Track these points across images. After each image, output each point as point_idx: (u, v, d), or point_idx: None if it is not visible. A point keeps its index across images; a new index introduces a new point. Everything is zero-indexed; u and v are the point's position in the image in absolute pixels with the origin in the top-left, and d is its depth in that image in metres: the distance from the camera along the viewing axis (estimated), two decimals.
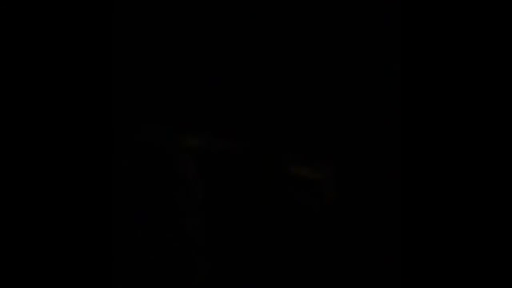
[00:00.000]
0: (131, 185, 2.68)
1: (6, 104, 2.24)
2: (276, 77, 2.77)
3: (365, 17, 2.72)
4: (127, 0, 2.74)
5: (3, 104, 2.24)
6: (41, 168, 2.23)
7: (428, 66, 2.29)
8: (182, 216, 2.66)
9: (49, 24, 2.28)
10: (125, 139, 2.70)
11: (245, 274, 2.65)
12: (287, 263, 2.65)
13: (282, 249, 2.66)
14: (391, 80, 2.71)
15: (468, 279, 2.16)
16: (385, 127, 2.69)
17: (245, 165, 2.67)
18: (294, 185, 2.68)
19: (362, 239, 2.65)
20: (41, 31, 2.27)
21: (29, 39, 2.27)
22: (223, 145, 2.70)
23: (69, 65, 2.28)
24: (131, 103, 2.75)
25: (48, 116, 2.25)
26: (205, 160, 2.72)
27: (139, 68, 2.79)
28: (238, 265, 2.65)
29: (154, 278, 2.61)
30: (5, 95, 2.24)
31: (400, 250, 2.48)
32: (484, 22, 2.23)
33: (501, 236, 2.16)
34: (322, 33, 2.75)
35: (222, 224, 2.69)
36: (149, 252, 2.63)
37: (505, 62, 2.20)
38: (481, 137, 2.20)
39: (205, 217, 2.68)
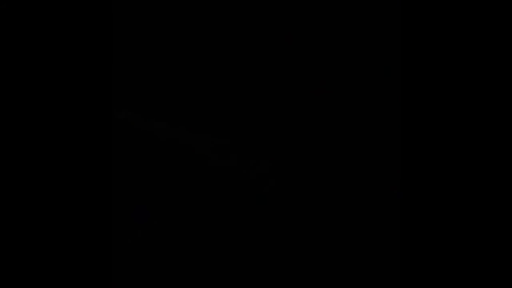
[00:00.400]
0: (132, 183, 2.69)
1: (6, 102, 2.24)
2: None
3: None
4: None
5: (3, 102, 2.24)
6: (41, 167, 2.23)
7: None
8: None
9: (53, 25, 2.28)
10: (126, 138, 2.70)
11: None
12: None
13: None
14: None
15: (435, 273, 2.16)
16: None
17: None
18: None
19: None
20: (43, 31, 2.27)
21: (29, 39, 2.27)
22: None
23: (71, 66, 2.28)
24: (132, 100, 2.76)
25: (49, 115, 2.25)
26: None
27: (140, 69, 2.79)
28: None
29: (153, 277, 2.62)
30: (5, 94, 2.25)
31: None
32: (483, 22, 2.23)
33: (486, 235, 2.16)
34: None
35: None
36: (148, 251, 2.63)
37: (504, 61, 2.21)
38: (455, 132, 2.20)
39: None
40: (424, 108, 2.24)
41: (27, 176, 2.22)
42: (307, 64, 2.79)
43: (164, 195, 2.70)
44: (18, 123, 2.24)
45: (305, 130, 2.76)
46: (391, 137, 2.68)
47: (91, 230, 2.23)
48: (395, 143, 2.64)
